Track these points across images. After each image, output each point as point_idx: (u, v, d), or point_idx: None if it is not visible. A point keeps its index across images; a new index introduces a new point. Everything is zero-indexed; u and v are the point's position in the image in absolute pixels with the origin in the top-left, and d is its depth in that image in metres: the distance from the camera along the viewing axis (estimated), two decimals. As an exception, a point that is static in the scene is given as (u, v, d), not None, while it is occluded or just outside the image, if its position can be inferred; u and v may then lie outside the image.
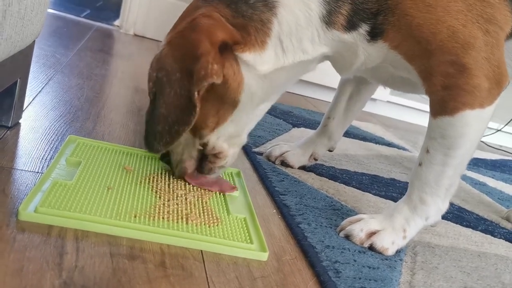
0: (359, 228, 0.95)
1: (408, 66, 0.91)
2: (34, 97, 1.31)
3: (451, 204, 1.38)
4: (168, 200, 0.89)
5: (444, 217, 1.24)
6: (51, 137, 1.08)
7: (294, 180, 1.21)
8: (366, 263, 0.88)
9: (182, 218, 0.85)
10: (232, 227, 0.87)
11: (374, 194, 1.29)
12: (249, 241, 0.84)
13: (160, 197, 0.90)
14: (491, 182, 1.84)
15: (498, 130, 2.82)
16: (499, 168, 2.17)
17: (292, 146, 1.33)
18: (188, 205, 0.90)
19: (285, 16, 0.86)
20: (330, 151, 1.39)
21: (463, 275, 0.95)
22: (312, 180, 1.25)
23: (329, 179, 1.30)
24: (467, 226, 1.24)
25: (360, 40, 0.89)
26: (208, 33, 0.81)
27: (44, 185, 0.83)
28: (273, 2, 0.85)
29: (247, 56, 0.86)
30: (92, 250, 0.71)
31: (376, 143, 1.93)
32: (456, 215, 1.31)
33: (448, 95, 0.87)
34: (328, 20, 0.87)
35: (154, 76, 0.84)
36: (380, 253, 0.93)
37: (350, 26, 0.88)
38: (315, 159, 1.34)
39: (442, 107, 0.89)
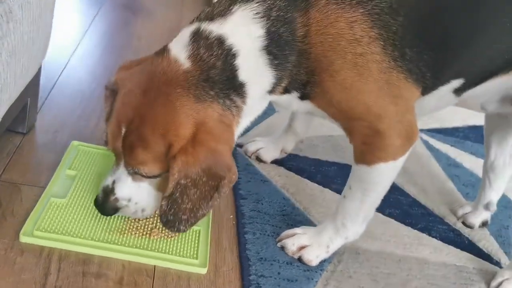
0: (292, 242, 1.19)
1: (334, 121, 1.09)
2: (44, 101, 1.54)
3: (405, 197, 1.57)
4: (139, 215, 1.14)
5: (391, 214, 1.46)
6: (62, 145, 1.33)
7: (260, 179, 1.43)
8: (288, 276, 1.12)
9: (146, 233, 1.10)
10: (186, 240, 1.12)
11: (333, 190, 1.49)
12: (194, 256, 1.09)
13: (133, 212, 1.15)
14: (468, 162, 1.91)
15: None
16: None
17: (266, 141, 1.54)
18: (155, 219, 1.15)
19: (250, 100, 1.02)
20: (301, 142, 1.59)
21: (372, 284, 1.18)
22: (278, 177, 1.47)
23: (296, 173, 1.51)
24: (408, 224, 1.44)
25: (292, 98, 1.07)
26: (229, 143, 0.99)
27: (45, 202, 1.09)
28: (244, 96, 1.00)
29: None
30: (69, 270, 0.98)
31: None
32: (404, 210, 1.50)
33: (366, 149, 1.06)
34: (271, 90, 1.04)
35: (175, 182, 0.95)
36: (306, 264, 1.17)
37: (286, 91, 1.05)
38: (285, 153, 1.55)
39: (361, 157, 1.08)
